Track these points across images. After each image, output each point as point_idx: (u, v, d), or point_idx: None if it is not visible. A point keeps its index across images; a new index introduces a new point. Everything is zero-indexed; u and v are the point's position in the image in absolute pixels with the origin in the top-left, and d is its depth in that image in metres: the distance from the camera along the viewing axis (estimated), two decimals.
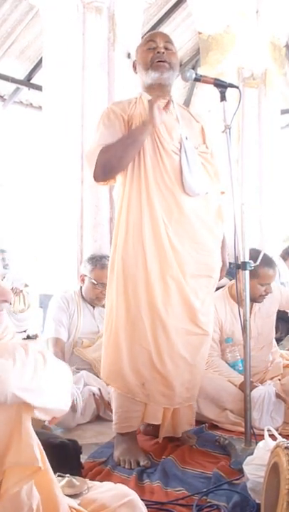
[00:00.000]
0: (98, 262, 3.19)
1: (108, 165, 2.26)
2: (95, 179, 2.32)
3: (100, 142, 2.29)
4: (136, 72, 2.49)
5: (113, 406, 2.40)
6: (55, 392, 1.19)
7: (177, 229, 2.31)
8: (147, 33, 2.64)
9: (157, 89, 2.41)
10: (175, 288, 2.30)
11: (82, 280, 3.25)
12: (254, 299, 2.97)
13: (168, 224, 2.29)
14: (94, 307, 3.25)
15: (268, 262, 2.91)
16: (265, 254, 2.90)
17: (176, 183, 2.30)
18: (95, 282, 3.15)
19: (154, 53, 2.37)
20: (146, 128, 2.24)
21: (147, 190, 2.29)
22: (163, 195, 2.29)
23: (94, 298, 3.21)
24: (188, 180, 2.29)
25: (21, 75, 7.18)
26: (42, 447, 1.17)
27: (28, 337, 5.95)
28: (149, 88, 2.42)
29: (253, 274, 2.84)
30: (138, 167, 2.30)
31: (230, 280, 3.93)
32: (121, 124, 2.32)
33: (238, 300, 2.46)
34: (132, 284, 2.28)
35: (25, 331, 6.14)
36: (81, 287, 3.27)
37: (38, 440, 1.15)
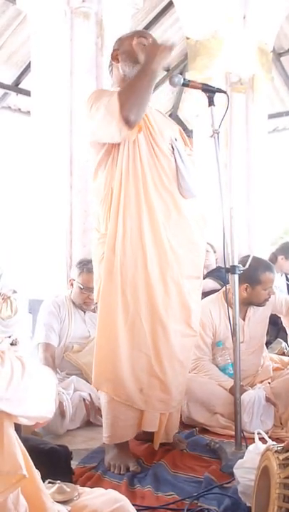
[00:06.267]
0: (85, 266, 3.14)
1: (139, 98, 2.12)
2: (129, 123, 2.11)
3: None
4: (117, 62, 2.40)
5: (106, 417, 2.32)
6: (36, 400, 1.16)
7: (175, 230, 2.30)
8: None
9: None
10: (175, 289, 2.29)
11: (72, 284, 3.24)
12: (259, 304, 2.99)
13: (166, 225, 2.28)
14: (85, 312, 3.23)
15: (266, 266, 2.94)
16: (261, 259, 2.93)
17: (174, 184, 2.29)
18: (82, 287, 3.13)
19: None
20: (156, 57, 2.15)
21: (145, 191, 2.25)
22: (161, 196, 2.28)
23: (81, 303, 3.19)
24: (187, 181, 2.28)
25: (9, 80, 7.17)
26: (28, 454, 1.14)
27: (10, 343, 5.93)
28: None
29: (256, 281, 2.87)
30: (134, 168, 2.25)
31: (220, 284, 3.95)
32: None
33: (228, 304, 2.47)
34: (132, 288, 2.25)
35: (10, 337, 6.10)
36: (71, 292, 3.25)
37: (24, 447, 1.13)
